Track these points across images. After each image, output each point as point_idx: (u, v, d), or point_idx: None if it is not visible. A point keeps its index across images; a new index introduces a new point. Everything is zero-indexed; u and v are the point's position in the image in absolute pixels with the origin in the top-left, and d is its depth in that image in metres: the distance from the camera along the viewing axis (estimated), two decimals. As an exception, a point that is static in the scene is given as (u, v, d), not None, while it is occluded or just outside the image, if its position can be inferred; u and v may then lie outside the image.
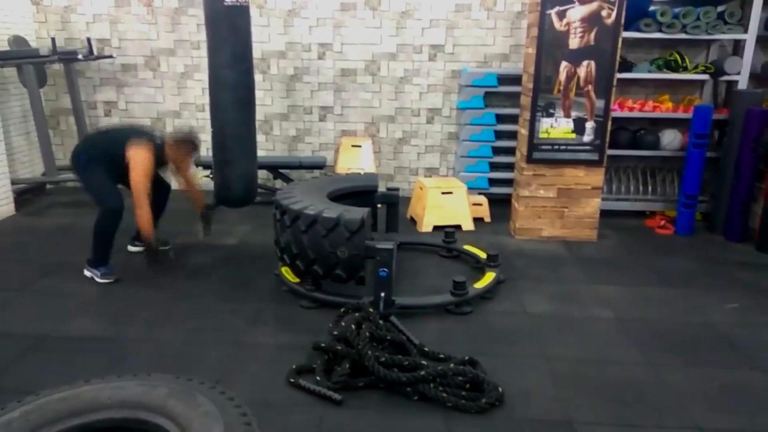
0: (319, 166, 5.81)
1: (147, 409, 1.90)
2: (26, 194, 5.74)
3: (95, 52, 5.71)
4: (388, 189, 4.59)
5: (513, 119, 5.40)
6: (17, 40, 5.44)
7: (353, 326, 2.87)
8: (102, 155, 3.86)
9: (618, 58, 4.54)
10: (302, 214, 3.45)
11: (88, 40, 5.62)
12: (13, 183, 5.36)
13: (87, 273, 3.95)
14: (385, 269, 3.31)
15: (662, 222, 5.27)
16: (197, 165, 5.02)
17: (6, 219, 5.18)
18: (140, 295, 3.70)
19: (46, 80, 5.81)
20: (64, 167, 5.95)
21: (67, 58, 5.46)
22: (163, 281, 3.89)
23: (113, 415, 1.91)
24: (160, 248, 4.03)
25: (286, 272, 3.81)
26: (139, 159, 3.75)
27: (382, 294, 3.32)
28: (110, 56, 5.88)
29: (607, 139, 4.70)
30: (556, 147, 4.70)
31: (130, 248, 4.38)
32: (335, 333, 2.94)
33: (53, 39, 5.32)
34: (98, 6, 5.88)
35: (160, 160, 3.92)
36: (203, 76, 5.77)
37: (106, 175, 3.86)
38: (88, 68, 6.02)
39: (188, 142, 3.97)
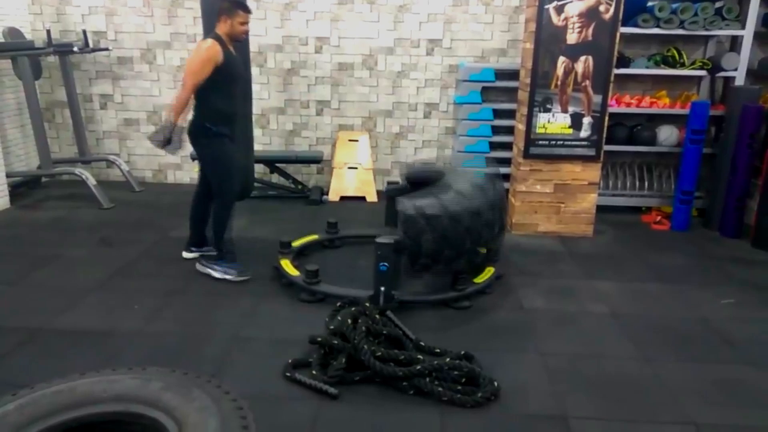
0: (316, 160, 5.80)
1: (142, 403, 1.89)
2: (21, 187, 5.71)
3: (91, 45, 5.68)
4: (387, 183, 4.59)
5: (510, 114, 5.38)
6: (12, 32, 5.40)
7: (349, 320, 2.87)
8: (212, 100, 3.56)
9: (615, 53, 4.53)
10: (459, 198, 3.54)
11: (84, 32, 5.58)
12: (8, 176, 5.33)
13: (215, 274, 3.80)
14: (385, 264, 3.31)
15: (658, 218, 5.28)
16: (193, 159, 4.99)
17: (1, 212, 5.15)
18: (135, 289, 3.69)
19: (41, 73, 5.76)
20: (59, 160, 5.94)
21: (63, 50, 5.42)
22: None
23: (108, 408, 1.90)
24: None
25: (285, 265, 3.81)
26: (196, 48, 3.57)
27: (382, 288, 3.32)
28: (106, 49, 5.84)
29: (604, 135, 4.70)
30: (553, 142, 4.70)
31: (185, 255, 4.13)
32: (331, 327, 2.94)
33: (48, 31, 5.28)
34: (94, -2, 5.84)
35: (226, 51, 3.56)
36: (200, 70, 5.73)
37: (232, 147, 3.70)
38: (83, 61, 5.98)
39: (227, 7, 3.55)
